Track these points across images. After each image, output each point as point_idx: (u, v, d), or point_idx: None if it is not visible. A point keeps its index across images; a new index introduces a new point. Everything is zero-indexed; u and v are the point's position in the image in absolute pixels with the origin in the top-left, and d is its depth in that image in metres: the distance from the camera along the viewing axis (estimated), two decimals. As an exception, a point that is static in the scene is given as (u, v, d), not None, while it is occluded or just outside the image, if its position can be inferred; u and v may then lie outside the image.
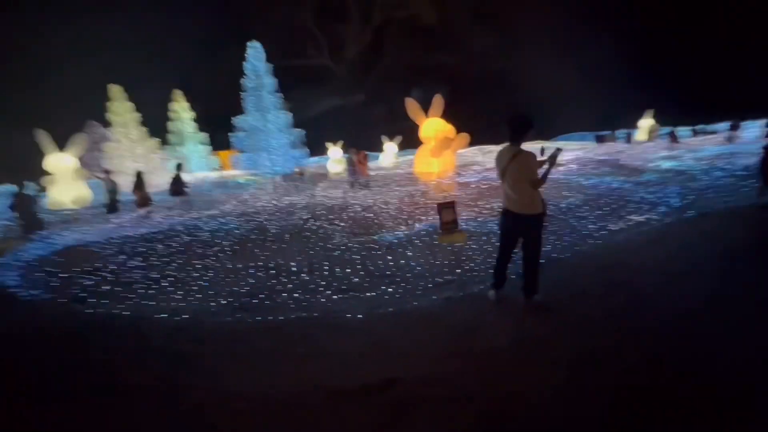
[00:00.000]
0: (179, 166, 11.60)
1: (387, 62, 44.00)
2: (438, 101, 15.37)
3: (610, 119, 33.69)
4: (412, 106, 15.39)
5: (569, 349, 2.98)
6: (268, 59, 15.76)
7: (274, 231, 7.68)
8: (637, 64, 36.89)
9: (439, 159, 15.01)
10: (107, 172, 11.90)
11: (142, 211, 10.82)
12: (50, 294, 5.24)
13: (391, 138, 25.27)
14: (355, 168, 16.02)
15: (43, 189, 15.24)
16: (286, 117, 15.19)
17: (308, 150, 15.66)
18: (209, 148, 25.80)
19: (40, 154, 14.57)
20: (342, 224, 7.90)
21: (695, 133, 29.43)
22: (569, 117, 38.51)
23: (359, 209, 9.20)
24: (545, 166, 3.71)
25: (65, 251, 7.58)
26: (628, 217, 6.83)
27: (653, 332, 3.12)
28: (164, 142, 23.22)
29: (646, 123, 30.23)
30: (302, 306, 4.29)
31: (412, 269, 5.06)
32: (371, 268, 5.24)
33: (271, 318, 4.02)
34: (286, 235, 7.26)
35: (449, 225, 5.46)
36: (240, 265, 5.80)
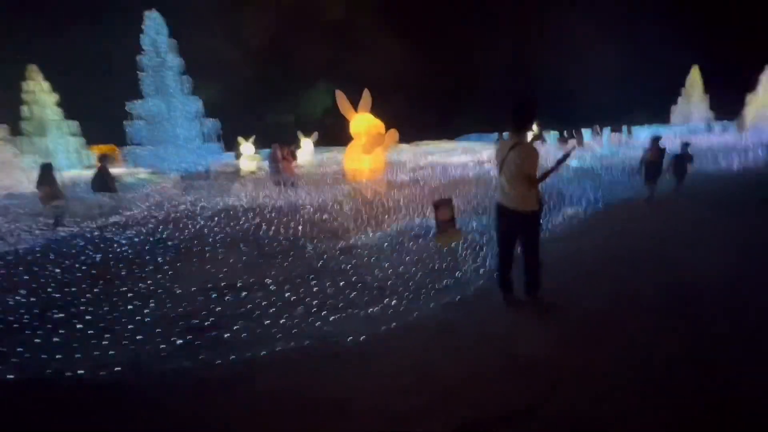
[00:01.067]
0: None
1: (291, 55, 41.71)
2: (366, 96, 15.00)
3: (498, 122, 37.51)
4: (341, 99, 14.73)
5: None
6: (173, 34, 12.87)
7: (221, 239, 6.28)
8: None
9: (370, 156, 14.68)
10: None
11: (48, 210, 8.22)
12: None
13: (307, 134, 24.03)
14: (279, 166, 14.57)
15: None
16: (197, 103, 12.48)
17: (222, 144, 13.33)
18: (81, 140, 20.81)
19: None
20: (301, 228, 6.89)
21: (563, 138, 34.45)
22: (470, 118, 41.86)
23: (311, 210, 8.22)
24: (552, 165, 3.54)
25: None
26: (566, 210, 7.37)
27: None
28: (17, 132, 17.84)
29: (535, 129, 34.47)
30: (291, 333, 3.42)
31: (405, 276, 4.52)
32: (366, 277, 4.53)
33: (250, 355, 3.07)
34: (241, 245, 5.97)
35: (446, 223, 5.08)
36: (191, 287, 4.49)
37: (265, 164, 19.76)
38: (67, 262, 5.48)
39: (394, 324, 3.44)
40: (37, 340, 3.48)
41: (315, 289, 4.30)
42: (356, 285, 4.33)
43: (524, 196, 3.49)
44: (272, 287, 4.41)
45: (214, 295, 4.28)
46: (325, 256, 5.31)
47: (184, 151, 12.71)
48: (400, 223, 6.84)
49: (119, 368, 3.03)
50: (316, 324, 3.54)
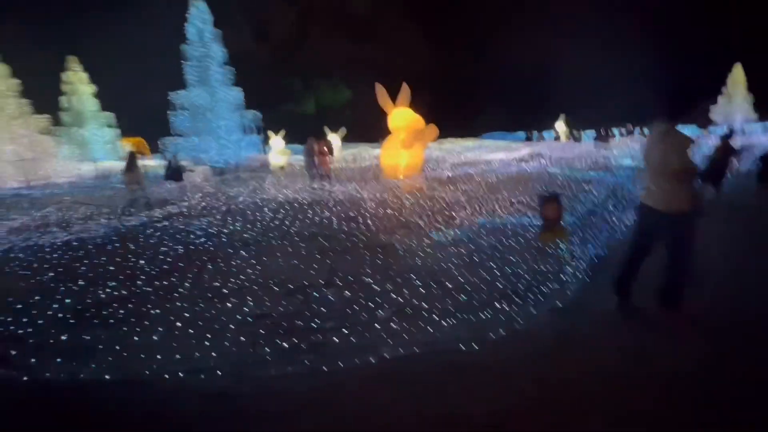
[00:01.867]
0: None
1: (312, 55, 41.19)
2: (405, 90, 14.61)
3: (524, 121, 36.60)
4: (381, 93, 14.36)
5: None
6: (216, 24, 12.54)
7: (297, 232, 5.94)
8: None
9: (409, 152, 14.29)
10: None
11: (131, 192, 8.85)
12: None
13: (334, 130, 23.73)
14: (315, 160, 14.25)
15: None
16: (239, 94, 12.15)
17: (261, 137, 12.90)
18: (116, 131, 20.89)
19: None
20: (371, 222, 6.51)
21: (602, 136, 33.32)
22: (489, 116, 41.03)
23: (372, 205, 7.84)
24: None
25: None
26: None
27: None
28: (57, 123, 17.96)
29: (560, 126, 33.68)
30: (401, 338, 3.03)
31: (506, 277, 4.06)
32: (460, 278, 4.10)
33: (358, 362, 2.75)
34: (320, 238, 5.62)
35: (553, 221, 4.67)
36: (287, 284, 4.15)
37: (295, 159, 19.52)
38: (148, 253, 5.23)
39: (502, 331, 3.11)
40: (135, 338, 3.21)
41: (420, 290, 3.94)
42: (456, 286, 3.95)
43: (673, 195, 3.02)
44: (374, 286, 4.06)
45: (314, 293, 3.95)
46: (420, 253, 4.92)
47: (224, 142, 12.46)
48: (475, 219, 6.42)
49: (221, 372, 2.73)
50: (425, 328, 3.20)
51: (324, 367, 2.76)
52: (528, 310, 3.49)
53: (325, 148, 14.98)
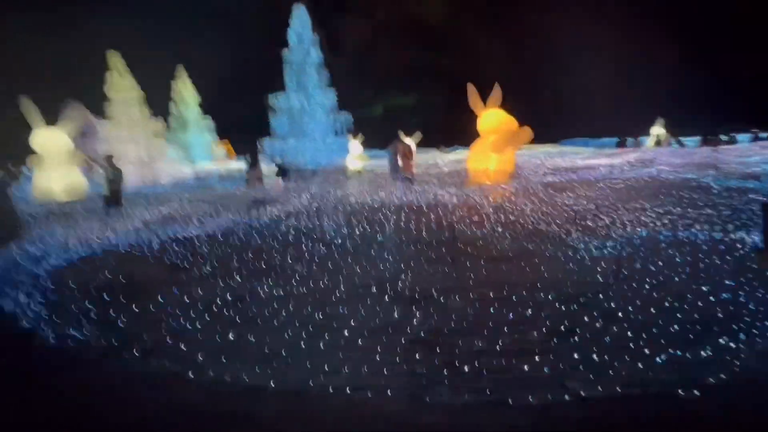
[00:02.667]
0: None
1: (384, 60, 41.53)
2: (496, 90, 13.71)
3: (613, 127, 33.20)
4: (472, 93, 13.65)
5: None
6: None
7: (440, 239, 5.42)
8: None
9: (500, 156, 13.34)
10: (109, 158, 9.46)
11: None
12: (78, 334, 3.08)
13: (408, 134, 23.27)
14: (399, 163, 13.94)
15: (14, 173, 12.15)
16: (333, 97, 12.30)
17: (352, 138, 12.89)
18: (213, 136, 22.77)
19: (24, 129, 11.66)
20: (501, 229, 5.79)
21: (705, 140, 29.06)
22: (570, 122, 37.96)
23: (491, 210, 7.10)
24: None
25: (83, 262, 5.17)
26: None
27: None
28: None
29: (656, 131, 30.04)
30: (597, 373, 2.35)
31: (716, 306, 3.15)
32: (641, 302, 3.25)
33: (550, 397, 2.14)
34: (469, 249, 4.95)
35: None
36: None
37: (372, 164, 19.37)
38: (289, 251, 5.17)
39: (722, 374, 2.33)
40: (295, 344, 2.88)
41: (591, 312, 3.19)
42: (642, 311, 3.13)
43: None
44: (530, 302, 3.39)
45: (467, 307, 3.37)
46: (570, 266, 4.16)
47: (319, 145, 12.72)
48: (625, 230, 5.41)
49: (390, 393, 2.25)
50: (626, 363, 2.46)
51: (509, 400, 2.19)
52: (751, 349, 2.60)
53: (409, 152, 14.67)
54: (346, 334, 2.99)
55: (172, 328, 3.21)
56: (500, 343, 2.77)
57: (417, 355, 2.66)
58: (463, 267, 4.29)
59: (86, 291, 4.11)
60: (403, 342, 2.84)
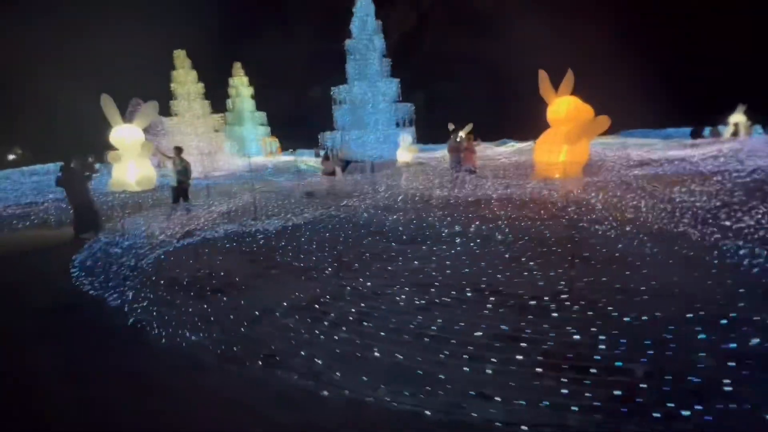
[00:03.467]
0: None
1: (427, 48, 40.09)
2: (569, 77, 12.59)
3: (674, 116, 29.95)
4: (543, 80, 12.64)
5: None
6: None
7: (551, 238, 4.85)
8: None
9: (573, 147, 12.22)
10: (178, 150, 9.57)
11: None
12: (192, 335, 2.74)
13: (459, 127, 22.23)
14: (461, 155, 13.20)
15: (92, 166, 12.81)
16: (395, 86, 11.69)
17: (413, 130, 12.13)
18: (267, 129, 23.19)
19: (102, 125, 12.27)
20: (610, 229, 5.06)
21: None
22: (630, 111, 34.88)
23: (591, 207, 6.30)
24: None
25: (188, 257, 5.03)
26: None
27: None
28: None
29: (735, 118, 26.84)
30: None
31: None
32: None
33: None
34: (605, 243, 4.43)
35: None
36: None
37: (420, 156, 18.59)
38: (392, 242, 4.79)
39: None
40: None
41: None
42: None
43: None
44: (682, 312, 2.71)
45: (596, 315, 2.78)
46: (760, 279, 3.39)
47: (381, 136, 12.30)
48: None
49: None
50: None
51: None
52: None
53: (472, 144, 13.95)
54: (479, 349, 2.52)
55: (299, 336, 2.87)
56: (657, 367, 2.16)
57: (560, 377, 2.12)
58: (594, 271, 3.64)
59: (192, 287, 3.92)
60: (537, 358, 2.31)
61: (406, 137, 18.78)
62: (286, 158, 20.71)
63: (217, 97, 20.23)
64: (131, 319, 3.32)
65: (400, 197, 7.78)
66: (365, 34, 12.13)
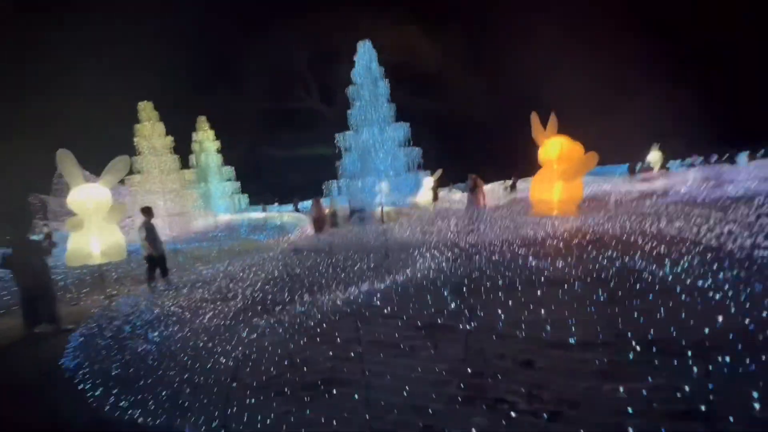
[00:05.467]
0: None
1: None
2: (554, 119, 13.43)
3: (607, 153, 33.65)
4: (535, 122, 13.27)
5: None
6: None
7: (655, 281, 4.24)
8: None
9: (568, 184, 12.72)
10: (147, 212, 7.83)
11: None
12: None
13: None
14: (480, 196, 13.27)
15: (50, 237, 10.50)
16: (404, 130, 11.28)
17: (424, 173, 11.53)
18: (236, 185, 21.42)
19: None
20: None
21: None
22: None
23: (645, 240, 6.05)
24: None
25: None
26: None
27: None
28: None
29: (654, 156, 30.68)
30: None
31: None
32: None
33: None
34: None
35: None
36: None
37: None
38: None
39: None
40: None
41: None
42: None
43: None
44: None
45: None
46: None
47: (394, 182, 11.71)
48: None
49: None
50: None
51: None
52: None
53: (482, 186, 14.30)
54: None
55: None
56: None
57: None
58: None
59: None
60: None
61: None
62: (257, 215, 19.22)
63: (181, 153, 18.54)
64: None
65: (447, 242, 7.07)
66: (369, 79, 11.96)
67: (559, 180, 12.61)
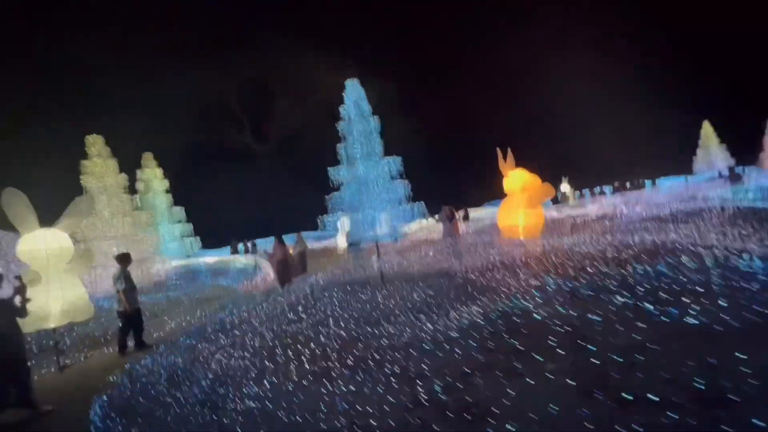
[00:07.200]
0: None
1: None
2: (510, 154, 15.20)
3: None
4: (500, 156, 14.80)
5: None
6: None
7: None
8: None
9: (532, 211, 14.36)
10: (123, 259, 7.04)
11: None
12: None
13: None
14: (457, 225, 14.22)
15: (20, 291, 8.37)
16: (397, 164, 11.61)
17: (416, 206, 12.02)
18: (188, 227, 19.38)
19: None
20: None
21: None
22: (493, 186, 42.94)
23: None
24: None
25: None
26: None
27: None
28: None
29: (566, 187, 35.27)
30: None
31: None
32: None
33: None
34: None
35: None
36: None
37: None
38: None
39: None
40: None
41: None
42: None
43: None
44: None
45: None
46: None
47: (393, 214, 11.82)
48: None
49: None
50: None
51: None
52: None
53: (455, 214, 15.23)
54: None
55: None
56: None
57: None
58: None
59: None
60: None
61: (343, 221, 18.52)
62: (211, 258, 17.70)
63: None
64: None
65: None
66: (360, 115, 12.37)
67: (524, 207, 14.13)
